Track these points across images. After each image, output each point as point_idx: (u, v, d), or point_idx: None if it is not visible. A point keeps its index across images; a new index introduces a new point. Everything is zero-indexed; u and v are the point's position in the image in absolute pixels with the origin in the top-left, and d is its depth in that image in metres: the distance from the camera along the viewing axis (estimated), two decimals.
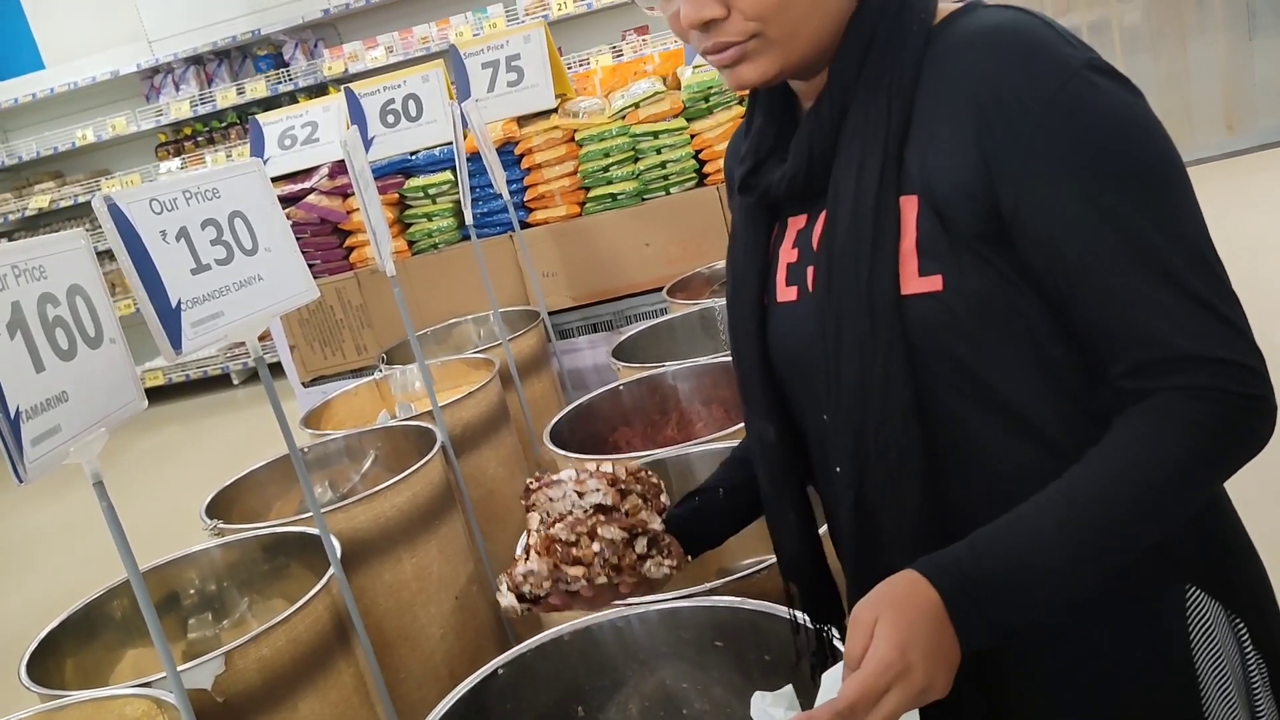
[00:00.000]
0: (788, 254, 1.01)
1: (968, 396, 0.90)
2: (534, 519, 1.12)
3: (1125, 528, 0.84)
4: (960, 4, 0.93)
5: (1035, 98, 0.83)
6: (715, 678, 1.46)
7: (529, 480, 1.16)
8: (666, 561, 1.09)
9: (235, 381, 7.63)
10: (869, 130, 0.90)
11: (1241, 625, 0.96)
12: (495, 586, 1.11)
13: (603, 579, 1.06)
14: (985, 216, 0.86)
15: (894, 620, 0.81)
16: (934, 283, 0.87)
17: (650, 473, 1.17)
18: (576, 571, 1.06)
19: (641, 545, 1.08)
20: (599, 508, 1.10)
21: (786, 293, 1.01)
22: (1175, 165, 0.86)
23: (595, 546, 1.06)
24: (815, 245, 0.97)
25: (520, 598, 1.08)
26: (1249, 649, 0.96)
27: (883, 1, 0.92)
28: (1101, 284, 0.84)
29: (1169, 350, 0.84)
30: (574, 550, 1.06)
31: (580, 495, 1.10)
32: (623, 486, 1.12)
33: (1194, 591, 0.94)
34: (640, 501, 1.11)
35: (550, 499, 1.12)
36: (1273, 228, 5.34)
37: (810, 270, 0.97)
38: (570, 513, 1.10)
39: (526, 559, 1.08)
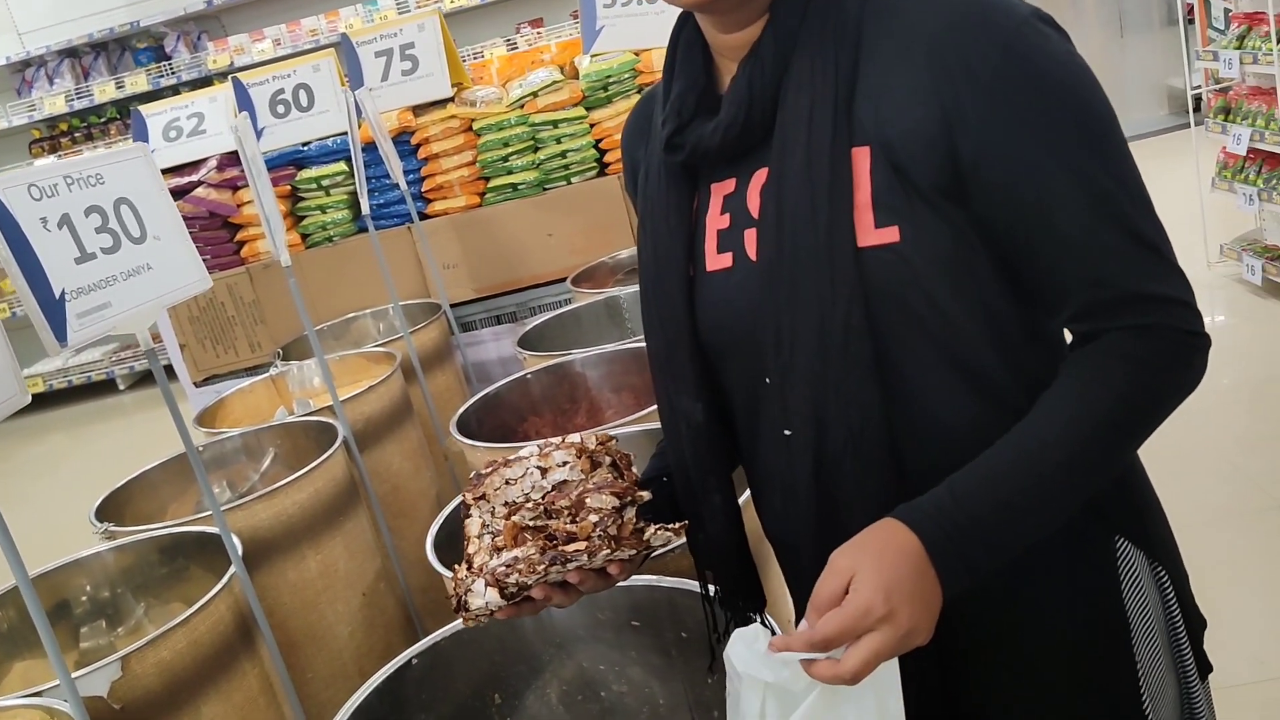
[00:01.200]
0: (717, 220, 0.98)
1: (922, 351, 0.90)
2: (474, 524, 1.00)
3: (1090, 462, 0.86)
4: None
5: (993, 45, 0.84)
6: (633, 658, 1.46)
7: (474, 474, 1.04)
8: (669, 526, 0.97)
9: (121, 386, 7.35)
10: (817, 80, 0.89)
11: (1163, 572, 0.99)
12: (458, 591, 0.95)
13: (605, 552, 0.93)
14: (942, 166, 0.86)
15: (876, 566, 0.80)
16: (891, 234, 0.87)
17: (616, 440, 1.07)
18: (578, 547, 0.93)
19: (631, 514, 0.96)
20: (561, 486, 0.99)
21: (719, 260, 0.97)
22: (1113, 112, 0.88)
23: (593, 518, 0.94)
24: (753, 207, 0.94)
25: (503, 593, 0.94)
26: (1169, 595, 1.00)
27: None
28: (1058, 227, 0.86)
29: (1119, 290, 0.87)
30: (568, 525, 0.95)
31: (544, 472, 1.00)
32: (593, 456, 1.02)
33: (1121, 543, 0.97)
34: (612, 473, 1.01)
35: (507, 481, 1.01)
36: None
37: (750, 234, 0.94)
38: (529, 496, 1.00)
39: (496, 555, 0.95)
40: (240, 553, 1.79)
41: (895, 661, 0.83)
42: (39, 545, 2.35)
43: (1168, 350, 0.87)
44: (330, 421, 2.38)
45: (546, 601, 0.97)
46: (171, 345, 3.63)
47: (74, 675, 1.36)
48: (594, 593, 0.98)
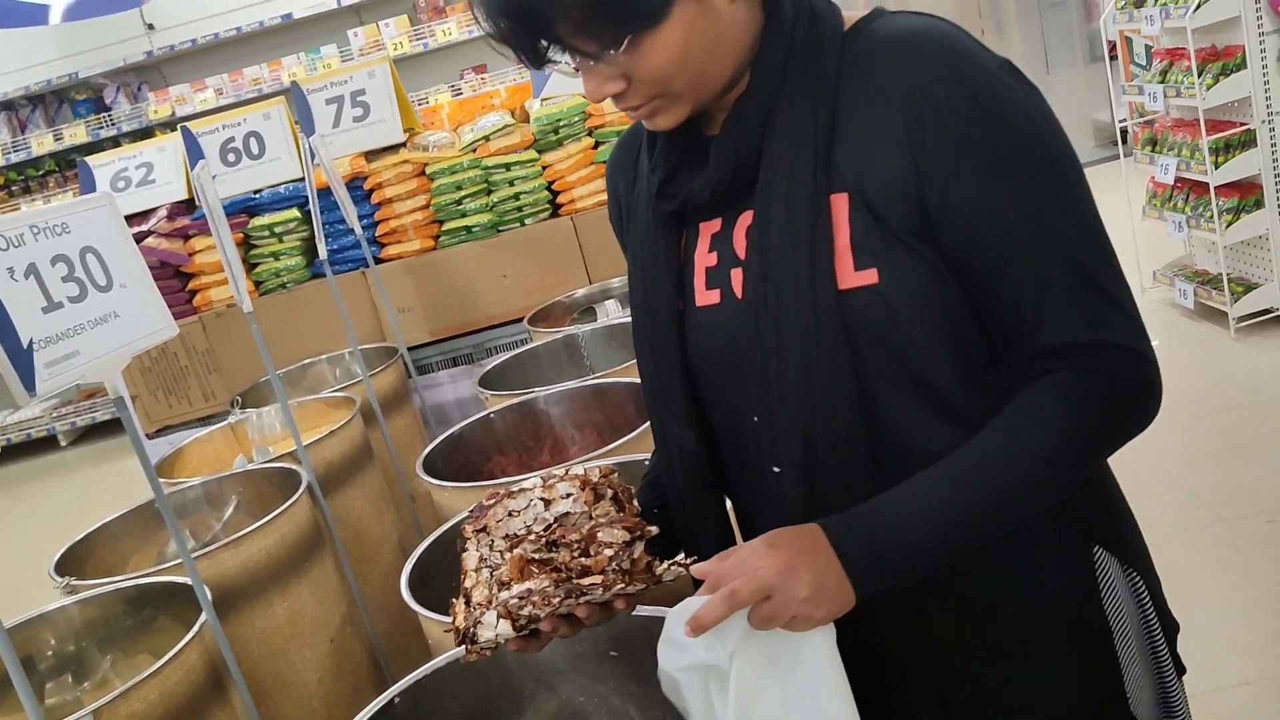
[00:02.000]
0: (705, 258, 1.01)
1: (901, 383, 0.94)
2: (471, 557, 1.00)
3: (1014, 491, 0.90)
4: (865, 11, 0.98)
5: (962, 98, 0.88)
6: (613, 688, 1.47)
7: (476, 506, 1.04)
8: (680, 560, 0.97)
9: (63, 443, 7.19)
10: (797, 134, 0.93)
11: (1137, 577, 1.04)
12: (467, 624, 0.94)
13: (619, 586, 0.94)
14: (914, 211, 0.90)
15: (770, 535, 0.88)
16: (870, 276, 0.91)
17: (618, 472, 1.08)
18: (593, 581, 0.93)
19: (640, 548, 0.97)
20: (564, 518, 1.00)
21: (707, 296, 1.01)
22: (1077, 162, 0.93)
23: (607, 552, 0.95)
24: (739, 248, 0.98)
25: (515, 625, 0.93)
26: (1145, 599, 1.04)
27: (794, 13, 0.95)
28: (1018, 273, 0.90)
29: (1071, 336, 0.90)
30: (581, 559, 0.95)
31: (547, 504, 1.01)
32: (596, 488, 1.03)
33: (1098, 552, 1.01)
34: (614, 506, 1.02)
35: (510, 513, 1.02)
36: None
37: (737, 273, 0.98)
38: (530, 528, 1.00)
39: (503, 588, 0.95)
40: (211, 600, 1.77)
41: (828, 634, 0.88)
42: None
43: (1113, 394, 0.91)
44: (293, 467, 2.37)
45: (553, 634, 0.98)
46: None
47: None
48: (595, 626, 1.00)
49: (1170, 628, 1.07)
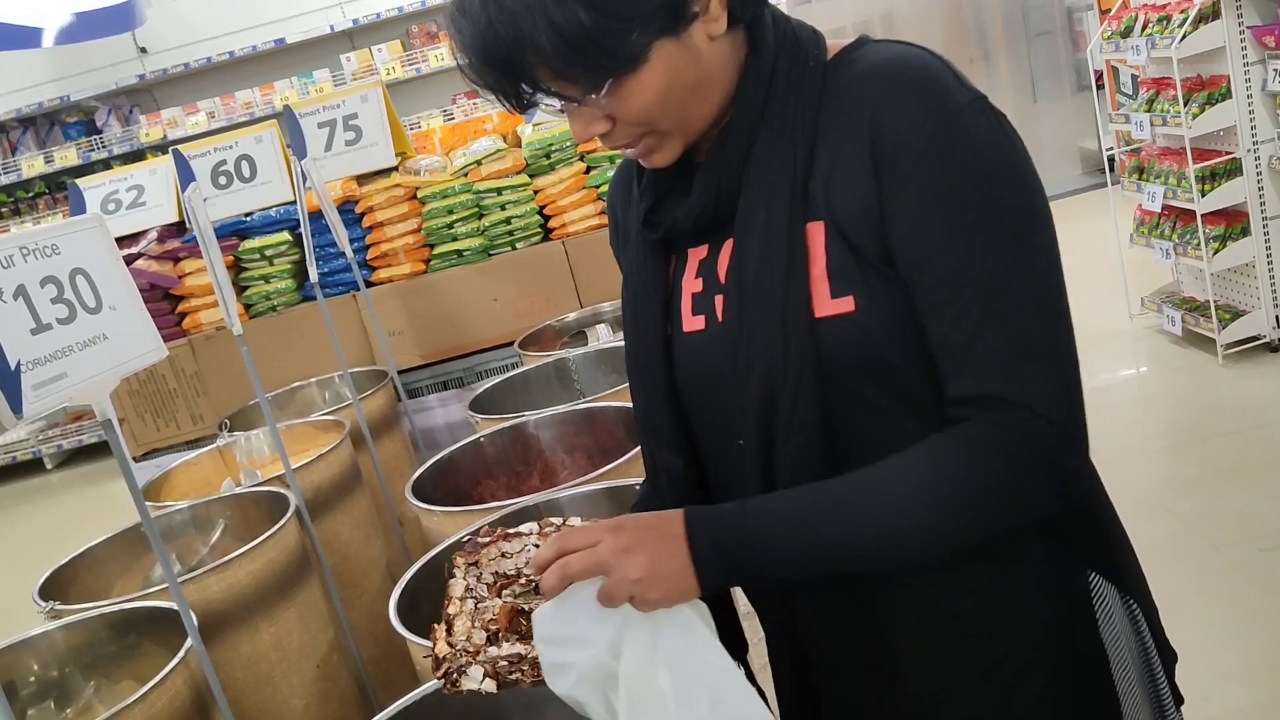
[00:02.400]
0: (691, 284, 1.02)
1: (879, 404, 0.94)
2: (457, 585, 1.01)
3: (891, 525, 0.89)
4: (850, 40, 0.98)
5: (920, 132, 0.88)
6: None
7: (470, 536, 1.04)
8: None
9: (49, 466, 7.14)
10: (775, 165, 0.93)
11: (1134, 605, 1.03)
12: (451, 667, 0.95)
13: None
14: (882, 240, 0.90)
15: (624, 530, 0.89)
16: (846, 304, 0.91)
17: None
18: None
19: None
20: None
21: (693, 322, 1.02)
22: (1039, 211, 0.90)
23: None
24: (721, 275, 0.99)
25: (499, 685, 0.94)
26: (1142, 627, 1.03)
27: (777, 45, 0.95)
28: (950, 314, 0.89)
29: (991, 389, 0.88)
30: None
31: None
32: None
33: (1095, 578, 1.01)
34: None
35: (503, 554, 1.02)
36: (1064, 271, 5.77)
37: (719, 299, 0.99)
38: (521, 571, 1.01)
39: (492, 640, 0.96)
40: (197, 625, 1.75)
41: (694, 613, 0.90)
42: None
43: (1012, 455, 0.87)
44: (281, 491, 2.36)
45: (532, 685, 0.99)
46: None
47: None
48: None
49: (1169, 658, 1.06)
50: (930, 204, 0.88)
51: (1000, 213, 0.88)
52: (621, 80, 0.89)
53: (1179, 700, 1.07)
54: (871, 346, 0.91)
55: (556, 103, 0.93)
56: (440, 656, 0.97)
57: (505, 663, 0.94)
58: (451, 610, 1.00)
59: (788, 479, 0.94)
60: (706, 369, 1.00)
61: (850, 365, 0.92)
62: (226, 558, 2.03)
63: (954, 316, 0.88)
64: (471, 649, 0.96)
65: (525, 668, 0.94)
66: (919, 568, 0.95)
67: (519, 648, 0.95)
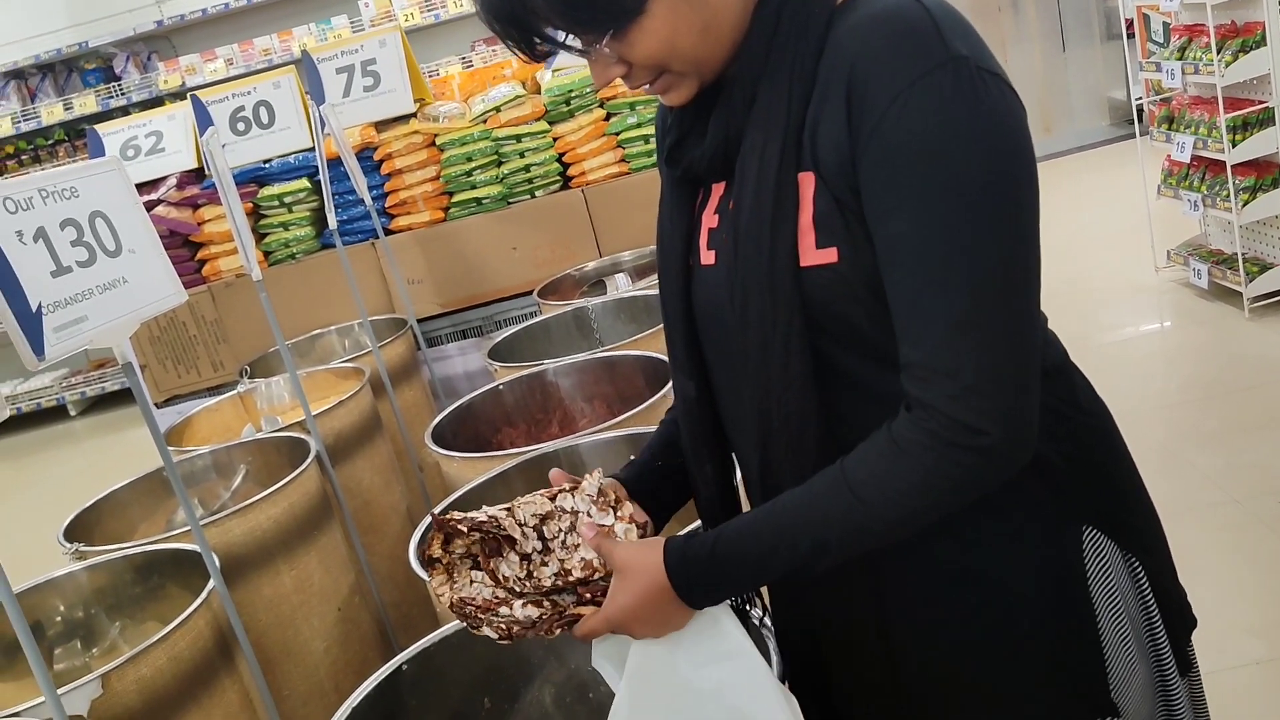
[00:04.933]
0: (709, 219, 1.04)
1: (864, 355, 0.94)
2: (442, 585, 1.07)
3: (831, 524, 0.92)
4: None
5: (886, 89, 0.85)
6: None
7: (460, 518, 1.08)
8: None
9: (73, 413, 7.22)
10: (772, 113, 0.93)
11: (1138, 565, 1.02)
12: (470, 609, 1.05)
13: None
14: (856, 192, 0.89)
15: (627, 592, 1.00)
16: (830, 255, 0.91)
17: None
18: (583, 611, 1.04)
19: (635, 534, 1.06)
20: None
21: (708, 256, 1.04)
22: (1012, 185, 0.86)
23: (601, 582, 1.04)
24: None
25: (511, 640, 1.05)
26: (1145, 588, 1.03)
27: None
28: (895, 276, 0.88)
29: (919, 357, 0.87)
30: (581, 609, 1.04)
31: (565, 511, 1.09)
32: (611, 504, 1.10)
33: (1091, 532, 1.00)
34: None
35: (536, 515, 1.09)
36: (1090, 224, 5.71)
37: (727, 239, 1.01)
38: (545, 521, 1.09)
39: (507, 597, 1.05)
40: (219, 567, 1.77)
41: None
42: None
43: (927, 441, 0.87)
44: (302, 437, 2.37)
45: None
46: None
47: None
48: None
49: (1178, 622, 1.05)
50: (883, 163, 0.86)
51: (964, 185, 0.84)
52: (625, 29, 0.92)
53: (1185, 667, 1.06)
54: (854, 296, 0.91)
55: (575, 50, 0.95)
56: (454, 598, 1.05)
57: (519, 629, 1.04)
58: (470, 539, 1.07)
59: (779, 429, 0.97)
60: (716, 302, 1.03)
61: (834, 316, 0.93)
62: (248, 501, 2.05)
63: (898, 280, 0.88)
64: (486, 593, 1.06)
65: (541, 630, 1.04)
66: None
67: (534, 612, 1.04)
